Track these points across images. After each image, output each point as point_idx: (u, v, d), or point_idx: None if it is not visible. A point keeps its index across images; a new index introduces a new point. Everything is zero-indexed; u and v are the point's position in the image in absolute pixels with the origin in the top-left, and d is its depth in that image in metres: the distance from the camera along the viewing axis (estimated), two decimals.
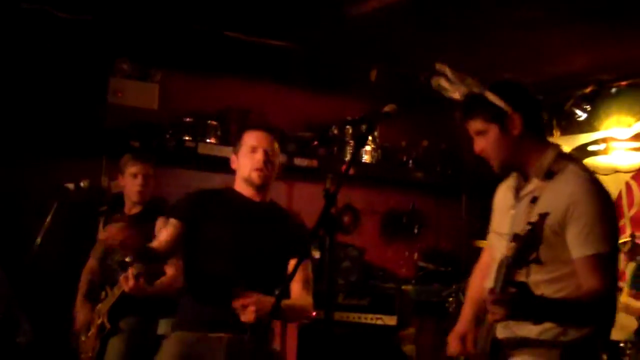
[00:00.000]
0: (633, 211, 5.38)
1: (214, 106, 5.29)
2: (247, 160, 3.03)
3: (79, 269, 4.14)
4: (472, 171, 5.49)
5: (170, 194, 3.98)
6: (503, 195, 2.61)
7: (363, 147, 5.58)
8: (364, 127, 4.54)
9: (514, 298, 2.10)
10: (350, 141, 5.63)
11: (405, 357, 5.07)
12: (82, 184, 4.01)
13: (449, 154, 6.15)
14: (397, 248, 6.21)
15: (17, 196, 4.52)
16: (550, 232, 2.26)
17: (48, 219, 3.94)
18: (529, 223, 2.16)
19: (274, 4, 4.38)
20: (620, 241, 4.91)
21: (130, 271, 3.17)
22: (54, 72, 4.69)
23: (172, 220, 2.99)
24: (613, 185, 5.15)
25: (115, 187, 4.24)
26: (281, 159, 3.25)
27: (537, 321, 2.26)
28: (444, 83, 2.57)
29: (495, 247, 2.56)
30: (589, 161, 5.45)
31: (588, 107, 5.57)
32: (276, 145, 3.12)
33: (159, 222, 3.64)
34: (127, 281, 3.10)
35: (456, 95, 2.52)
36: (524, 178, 2.49)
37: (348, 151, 5.62)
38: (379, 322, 5.01)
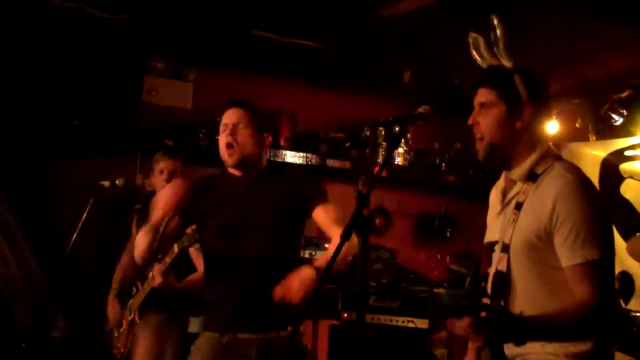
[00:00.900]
0: None
1: None
2: (220, 141, 2.98)
3: (113, 265, 4.19)
4: None
5: None
6: (493, 200, 2.46)
7: (396, 149, 5.57)
8: (396, 128, 4.50)
9: (487, 322, 1.92)
10: (383, 143, 5.62)
11: None
12: (117, 182, 4.06)
13: None
14: (429, 251, 6.18)
15: (53, 193, 4.59)
16: (536, 239, 2.11)
17: (84, 216, 3.99)
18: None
19: (306, 4, 4.39)
20: None
21: (157, 268, 3.19)
22: (90, 71, 4.75)
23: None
24: None
25: (148, 185, 4.29)
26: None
27: (519, 343, 2.04)
28: (476, 54, 2.42)
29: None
30: (625, 166, 5.38)
31: (624, 112, 5.49)
32: (248, 116, 2.97)
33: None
34: (155, 278, 3.12)
35: (484, 65, 2.39)
36: (508, 177, 2.32)
37: (380, 153, 5.61)
38: (411, 325, 4.99)
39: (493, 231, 2.36)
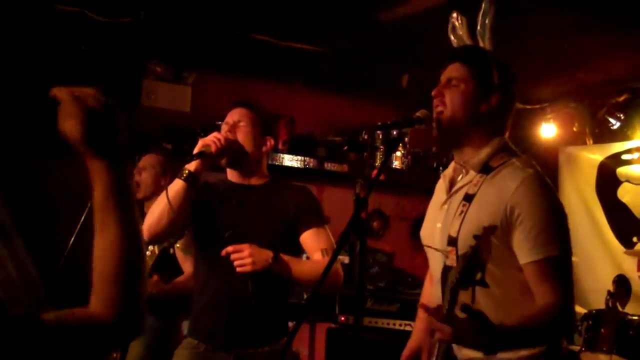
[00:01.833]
0: None
1: None
2: None
3: None
4: None
5: None
6: (438, 188, 2.38)
7: (394, 152, 5.58)
8: (394, 132, 4.52)
9: (464, 324, 1.85)
10: (381, 146, 5.63)
11: None
12: None
13: None
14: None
15: (51, 196, 4.59)
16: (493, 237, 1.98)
17: (82, 219, 3.99)
18: (475, 237, 1.89)
19: (305, 8, 4.40)
20: None
21: None
22: (89, 74, 4.75)
23: None
24: None
25: (137, 190, 4.28)
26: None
27: (488, 352, 2.00)
28: (452, 35, 2.41)
29: (429, 253, 2.31)
30: (622, 170, 5.40)
31: (621, 116, 5.51)
32: (251, 116, 2.85)
33: None
34: None
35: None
36: (460, 163, 2.25)
37: (378, 156, 5.62)
38: (408, 328, 4.99)
39: (433, 222, 2.29)
